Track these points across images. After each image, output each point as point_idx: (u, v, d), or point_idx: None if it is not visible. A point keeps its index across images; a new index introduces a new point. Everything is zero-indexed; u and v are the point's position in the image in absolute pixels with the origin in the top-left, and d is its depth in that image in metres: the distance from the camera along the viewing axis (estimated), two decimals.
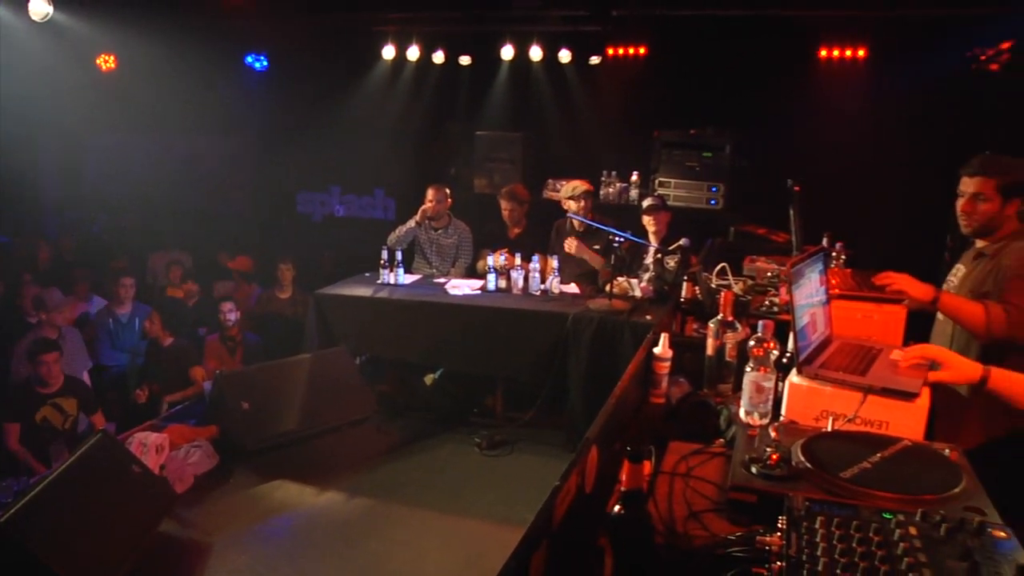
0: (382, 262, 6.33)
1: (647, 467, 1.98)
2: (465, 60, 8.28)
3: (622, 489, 1.54)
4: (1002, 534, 1.54)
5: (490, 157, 8.16)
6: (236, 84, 9.11)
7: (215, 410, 5.68)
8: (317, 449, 5.63)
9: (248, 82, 9.18)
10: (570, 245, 6.20)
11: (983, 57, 6.36)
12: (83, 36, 7.36)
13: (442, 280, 6.51)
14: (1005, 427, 3.04)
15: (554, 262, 6.15)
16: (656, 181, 7.41)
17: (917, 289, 3.17)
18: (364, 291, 6.17)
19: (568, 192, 6.36)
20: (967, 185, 3.30)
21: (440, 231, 6.92)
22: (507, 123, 8.31)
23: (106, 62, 8.69)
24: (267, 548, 4.56)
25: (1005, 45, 6.20)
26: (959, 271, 3.57)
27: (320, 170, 9.45)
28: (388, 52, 8.23)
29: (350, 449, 5.72)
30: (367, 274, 6.59)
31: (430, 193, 6.78)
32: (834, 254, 4.54)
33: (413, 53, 8.16)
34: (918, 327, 3.73)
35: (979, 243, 3.43)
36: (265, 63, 9.11)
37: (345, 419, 5.87)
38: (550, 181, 7.87)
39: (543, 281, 6.10)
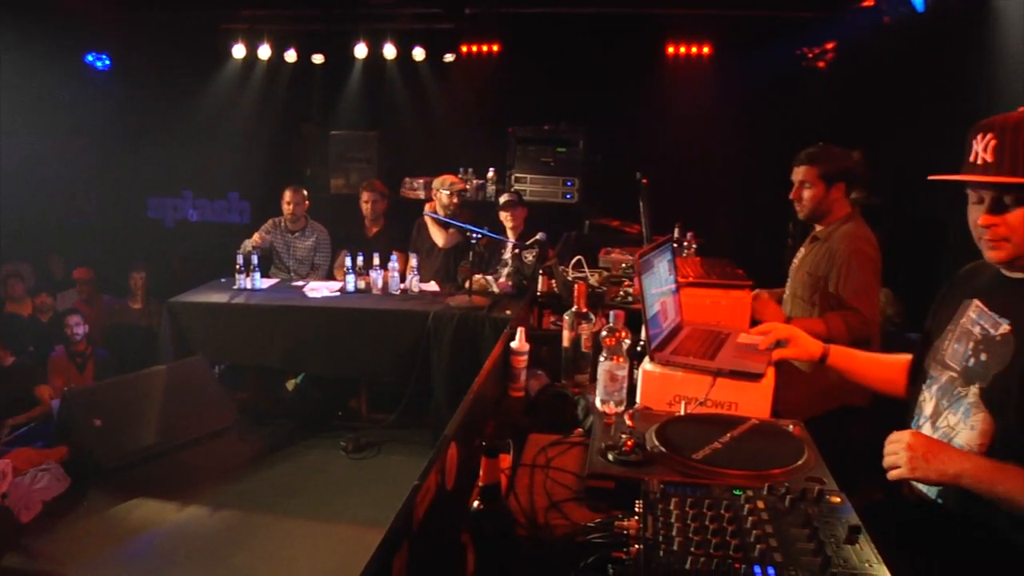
0: (238, 267, 6.16)
1: (505, 461, 2.01)
2: (318, 59, 8.13)
3: (480, 484, 1.56)
4: (837, 499, 1.64)
5: (346, 157, 8.07)
6: (76, 84, 8.61)
7: (64, 430, 5.37)
8: (177, 463, 5.41)
9: (89, 82, 8.73)
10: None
11: (810, 55, 6.79)
12: None
13: (300, 283, 6.40)
14: (839, 400, 3.27)
15: (413, 260, 6.15)
16: (512, 177, 7.50)
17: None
18: (220, 297, 6.00)
19: (444, 186, 6.39)
20: (795, 174, 3.61)
21: (297, 233, 6.80)
22: (362, 122, 8.23)
23: None
24: (127, 572, 4.35)
25: (829, 45, 6.65)
26: (800, 254, 3.81)
27: (171, 173, 9.07)
28: (238, 51, 7.99)
29: (212, 461, 5.53)
30: (223, 280, 6.41)
31: (287, 195, 6.67)
32: (685, 243, 4.70)
33: (264, 52, 7.97)
34: None
35: (817, 228, 3.68)
36: (107, 62, 8.67)
37: (205, 430, 5.69)
38: (407, 180, 7.85)
39: (402, 280, 6.09)
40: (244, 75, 8.34)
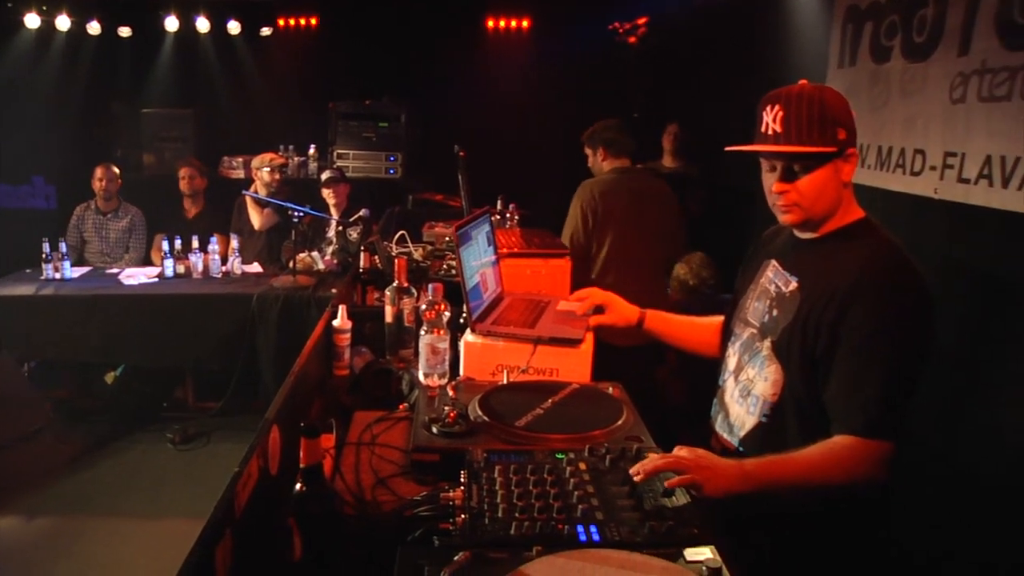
0: (44, 256, 5.79)
1: (328, 440, 1.99)
2: (125, 31, 7.64)
3: (301, 466, 1.54)
4: (655, 456, 1.71)
5: (159, 136, 7.71)
6: None
7: None
8: None
9: None
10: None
11: (622, 31, 7.02)
12: None
13: (115, 270, 6.08)
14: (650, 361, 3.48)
15: (235, 242, 5.99)
16: (334, 153, 7.40)
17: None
18: (26, 289, 5.61)
19: (263, 164, 6.25)
20: None
21: (110, 215, 6.48)
22: (176, 99, 7.86)
23: None
24: None
25: (641, 20, 6.89)
26: None
27: None
28: (31, 20, 7.33)
29: (24, 467, 5.16)
30: (28, 270, 6.01)
31: (98, 171, 6.44)
32: (508, 215, 4.77)
33: (63, 23, 7.39)
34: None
35: None
36: None
37: (15, 434, 5.30)
38: (225, 159, 7.59)
39: (224, 263, 5.91)
40: (41, 48, 7.70)
